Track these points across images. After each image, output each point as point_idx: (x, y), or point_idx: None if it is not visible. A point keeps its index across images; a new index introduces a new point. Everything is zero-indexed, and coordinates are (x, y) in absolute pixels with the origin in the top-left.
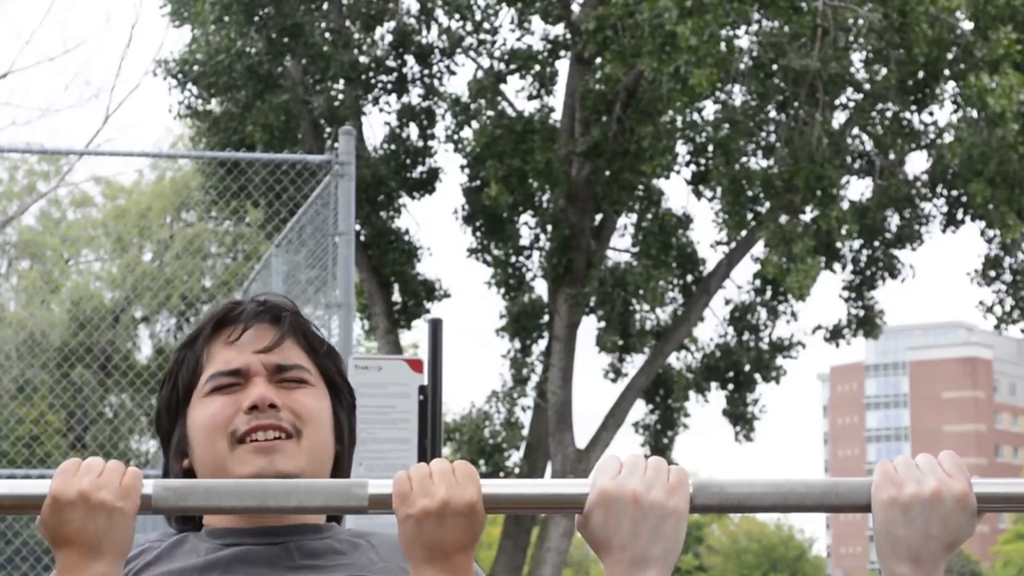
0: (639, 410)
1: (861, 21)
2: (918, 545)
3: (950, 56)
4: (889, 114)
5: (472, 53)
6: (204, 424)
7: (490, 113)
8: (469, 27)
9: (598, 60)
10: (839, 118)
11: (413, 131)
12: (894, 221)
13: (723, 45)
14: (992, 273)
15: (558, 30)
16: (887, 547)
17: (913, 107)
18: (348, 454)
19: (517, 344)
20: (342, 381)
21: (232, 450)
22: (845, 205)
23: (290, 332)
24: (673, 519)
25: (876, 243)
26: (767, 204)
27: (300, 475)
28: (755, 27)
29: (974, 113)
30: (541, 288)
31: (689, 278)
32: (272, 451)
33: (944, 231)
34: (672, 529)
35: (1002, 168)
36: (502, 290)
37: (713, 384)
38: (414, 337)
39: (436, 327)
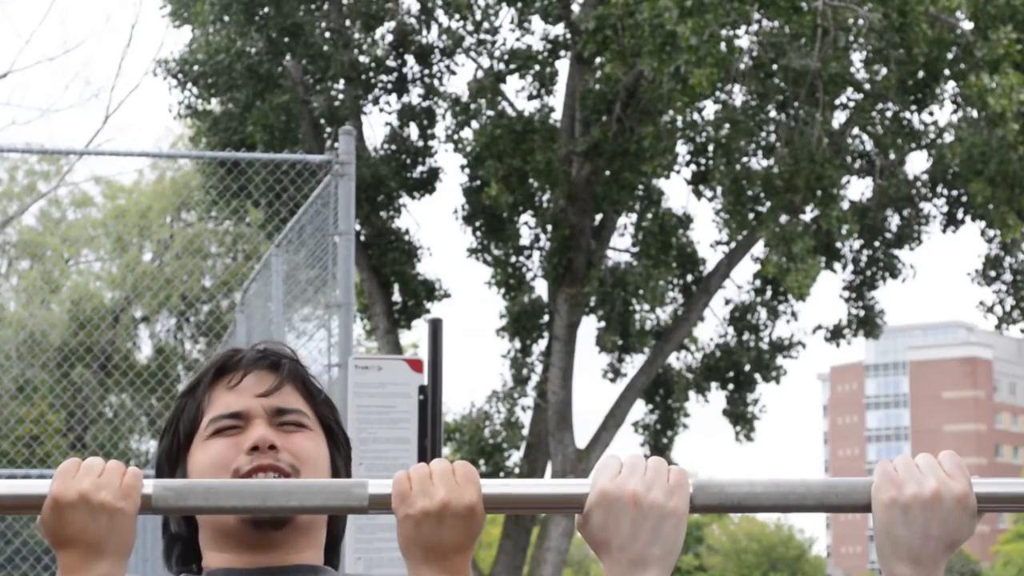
0: (639, 410)
1: (861, 21)
2: (918, 545)
3: (950, 56)
4: (889, 114)
5: (472, 53)
6: (206, 465)
7: (490, 113)
8: (469, 27)
9: (598, 60)
10: (839, 118)
11: (413, 131)
12: (894, 221)
13: (723, 45)
14: (992, 273)
15: (558, 30)
16: (887, 547)
17: (913, 107)
18: None
19: (517, 344)
20: (339, 430)
21: None
22: (845, 205)
23: (289, 378)
24: (673, 519)
25: (876, 243)
26: (768, 204)
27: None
28: (755, 27)
29: (974, 113)
30: (541, 288)
31: (689, 278)
32: None
33: (944, 231)
34: (672, 529)
35: (1002, 168)
36: (502, 290)
37: (713, 384)
38: (414, 337)
39: (436, 327)
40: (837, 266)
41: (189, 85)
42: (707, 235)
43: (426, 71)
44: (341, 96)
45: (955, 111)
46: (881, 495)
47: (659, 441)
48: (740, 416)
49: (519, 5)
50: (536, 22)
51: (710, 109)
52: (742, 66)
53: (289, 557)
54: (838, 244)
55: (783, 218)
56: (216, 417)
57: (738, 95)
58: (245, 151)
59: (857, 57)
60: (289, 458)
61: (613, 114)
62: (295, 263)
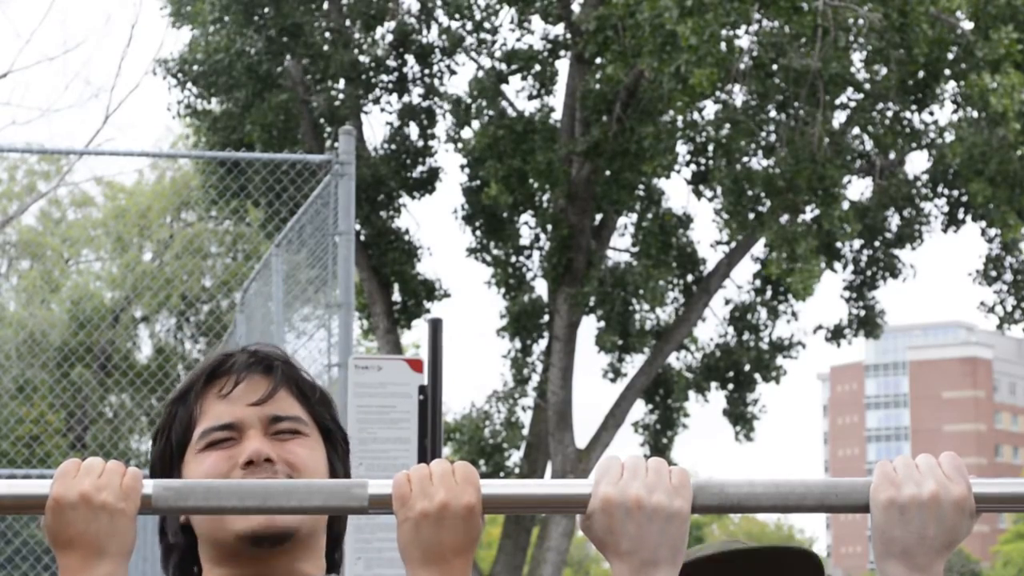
0: (639, 410)
1: (861, 21)
2: (913, 546)
3: (951, 56)
4: (889, 114)
5: (472, 53)
6: (201, 480)
7: (490, 113)
8: (469, 27)
9: (598, 60)
10: (839, 118)
11: (413, 131)
12: (894, 221)
13: (723, 45)
14: (993, 273)
15: (558, 30)
16: (882, 547)
17: (913, 107)
18: None
19: (517, 344)
20: (336, 427)
21: None
22: (846, 205)
23: (282, 382)
24: (678, 520)
25: (877, 243)
26: (768, 204)
27: (299, 528)
28: (755, 27)
29: (974, 113)
30: (541, 288)
31: (689, 278)
32: None
33: (945, 231)
34: (677, 529)
35: (1003, 168)
36: (502, 290)
37: (713, 384)
38: (414, 337)
39: (436, 327)
40: (837, 266)
41: (189, 85)
42: (707, 235)
43: (426, 71)
44: (341, 96)
45: (955, 111)
46: (879, 495)
47: (659, 441)
48: (740, 416)
49: (519, 5)
50: (536, 22)
51: (710, 109)
52: (742, 66)
53: (290, 570)
54: (839, 244)
55: (783, 218)
56: (208, 429)
57: (738, 95)
58: (244, 151)
59: (857, 57)
60: (286, 470)
61: (613, 114)
62: (295, 263)
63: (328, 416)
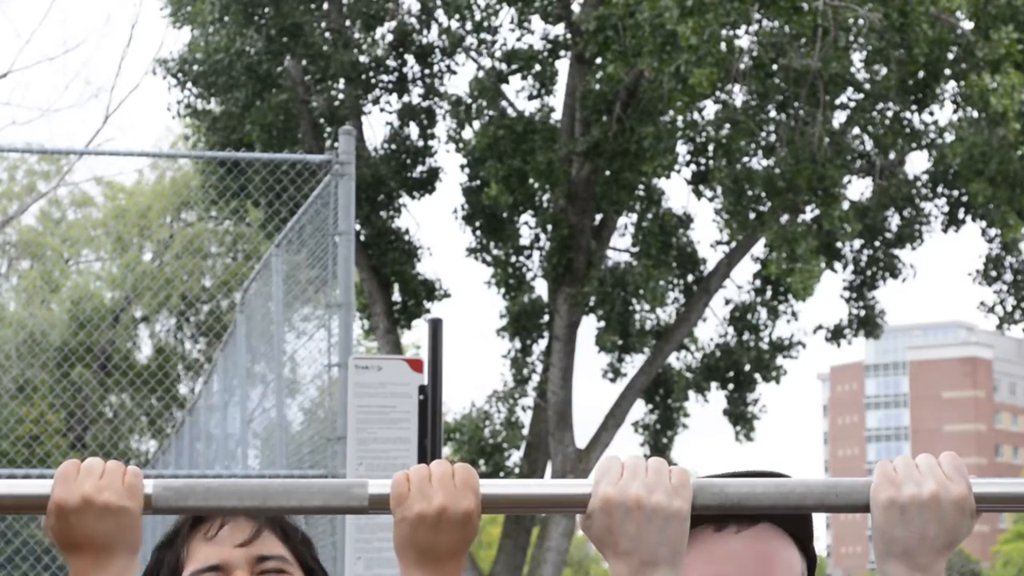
0: (639, 410)
1: (861, 21)
2: (914, 546)
3: (951, 56)
4: (889, 114)
5: (472, 53)
6: None
7: (491, 113)
8: (469, 27)
9: (598, 60)
10: (839, 118)
11: (413, 131)
12: (894, 221)
13: (723, 45)
14: (993, 273)
15: (558, 30)
16: (883, 547)
17: (913, 107)
18: None
19: (517, 344)
20: (317, 566)
21: None
22: (846, 205)
23: (266, 523)
24: (677, 520)
25: (877, 243)
26: (768, 204)
27: None
28: (755, 27)
29: (974, 113)
30: (541, 288)
31: (689, 278)
32: None
33: (945, 231)
34: (676, 529)
35: (1003, 168)
36: (502, 290)
37: (713, 384)
38: (414, 337)
39: (436, 327)
40: (837, 266)
41: (189, 85)
42: (707, 235)
43: (426, 71)
44: (341, 96)
45: (955, 111)
46: (879, 495)
47: (659, 441)
48: (740, 416)
49: (519, 5)
50: (536, 22)
51: (710, 109)
52: (742, 66)
53: None
54: (839, 244)
55: (783, 218)
56: (196, 571)
57: (738, 95)
58: (244, 151)
59: (857, 57)
60: None
61: (613, 114)
62: (295, 263)
63: (309, 556)
